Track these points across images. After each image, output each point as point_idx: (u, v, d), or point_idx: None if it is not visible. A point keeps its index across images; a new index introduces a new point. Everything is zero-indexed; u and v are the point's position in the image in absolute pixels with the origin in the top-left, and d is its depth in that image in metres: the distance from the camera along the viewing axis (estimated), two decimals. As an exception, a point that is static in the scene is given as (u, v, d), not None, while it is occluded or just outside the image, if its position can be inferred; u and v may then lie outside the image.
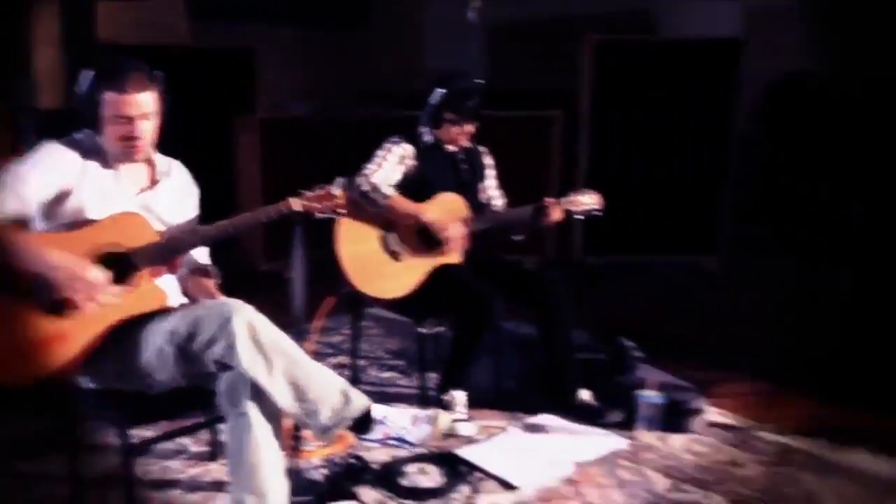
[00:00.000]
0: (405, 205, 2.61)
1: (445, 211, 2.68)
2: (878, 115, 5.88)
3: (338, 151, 4.90)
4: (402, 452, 2.39)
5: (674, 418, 2.59)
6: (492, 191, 2.88)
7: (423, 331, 2.75)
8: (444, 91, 2.65)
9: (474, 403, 2.70)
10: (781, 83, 6.20)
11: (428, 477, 2.30)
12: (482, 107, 2.68)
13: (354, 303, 2.88)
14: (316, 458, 2.36)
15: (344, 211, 2.12)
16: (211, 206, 2.18)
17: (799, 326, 3.80)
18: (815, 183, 5.63)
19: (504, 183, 2.93)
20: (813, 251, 5.32)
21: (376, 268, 2.63)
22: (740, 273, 4.79)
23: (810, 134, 5.85)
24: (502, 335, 2.95)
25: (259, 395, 1.78)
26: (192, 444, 2.44)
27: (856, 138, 5.83)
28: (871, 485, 2.27)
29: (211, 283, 2.06)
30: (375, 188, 2.56)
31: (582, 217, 2.78)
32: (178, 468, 2.32)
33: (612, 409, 2.66)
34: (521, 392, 2.89)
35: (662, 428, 2.58)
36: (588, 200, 2.75)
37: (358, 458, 2.33)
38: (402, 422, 1.93)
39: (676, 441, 2.54)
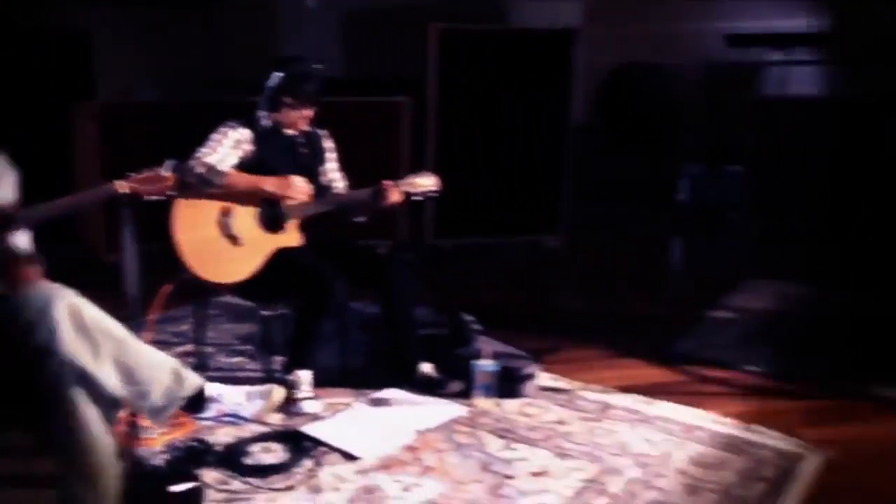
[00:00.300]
0: (244, 179, 2.62)
1: (285, 194, 2.71)
2: (702, 100, 6.45)
3: (185, 137, 4.76)
4: (247, 433, 2.42)
5: (508, 384, 2.77)
6: (333, 174, 2.94)
7: (266, 313, 2.78)
8: (281, 75, 2.68)
9: (321, 382, 2.75)
10: (618, 71, 6.65)
11: (272, 454, 2.35)
12: (321, 91, 2.73)
13: (197, 290, 2.86)
14: (158, 444, 2.35)
15: (174, 193, 2.11)
16: (46, 193, 2.11)
17: (628, 295, 4.14)
18: (648, 162, 6.09)
19: (354, 168, 2.99)
20: (647, 226, 5.77)
21: (215, 253, 2.63)
22: (580, 250, 5.11)
23: (644, 117, 6.33)
24: (349, 315, 3.04)
25: (85, 380, 1.76)
26: (16, 437, 2.35)
27: (685, 120, 6.37)
28: (673, 430, 2.54)
29: (32, 270, 2.00)
30: (211, 168, 2.55)
31: (420, 198, 2.89)
32: (1, 465, 2.23)
33: (453, 380, 2.81)
34: (366, 369, 2.99)
35: (499, 394, 2.75)
36: (425, 182, 2.87)
37: (200, 440, 2.33)
38: (236, 398, 1.96)
39: (511, 405, 2.73)
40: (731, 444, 2.45)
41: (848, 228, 3.72)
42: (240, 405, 1.96)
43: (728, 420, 2.61)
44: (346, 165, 2.99)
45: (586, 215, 5.57)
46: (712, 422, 2.61)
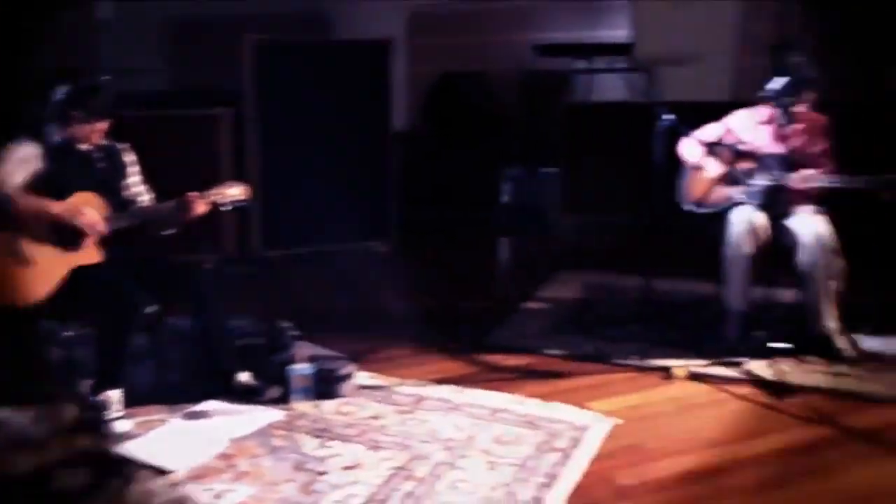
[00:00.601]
0: (31, 202, 2.53)
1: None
2: (519, 106, 6.84)
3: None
4: (49, 458, 2.34)
5: (325, 386, 2.85)
6: (136, 188, 2.89)
7: (68, 334, 2.69)
8: (67, 89, 2.61)
9: (136, 400, 2.71)
10: (442, 79, 6.91)
11: (77, 479, 2.28)
12: (111, 104, 2.69)
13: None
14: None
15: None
16: None
17: (452, 294, 4.34)
18: (473, 166, 6.36)
19: (173, 182, 2.94)
20: (475, 228, 6.03)
21: (4, 275, 2.51)
22: (410, 254, 5.28)
23: (467, 123, 6.62)
24: (164, 330, 2.99)
25: None
26: None
27: (505, 126, 6.72)
28: (480, 414, 2.72)
29: None
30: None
31: (229, 208, 2.90)
32: None
33: (271, 386, 2.85)
34: (184, 383, 2.96)
35: (316, 396, 2.83)
36: (233, 192, 2.89)
37: (-4, 472, 2.23)
38: (20, 420, 1.90)
39: (329, 406, 2.80)
40: (530, 422, 2.66)
41: (649, 220, 4.10)
42: (27, 428, 1.90)
43: (530, 400, 2.83)
44: (164, 180, 2.94)
45: (417, 220, 5.74)
46: (516, 403, 2.81)
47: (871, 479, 2.26)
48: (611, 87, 6.74)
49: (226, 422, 2.66)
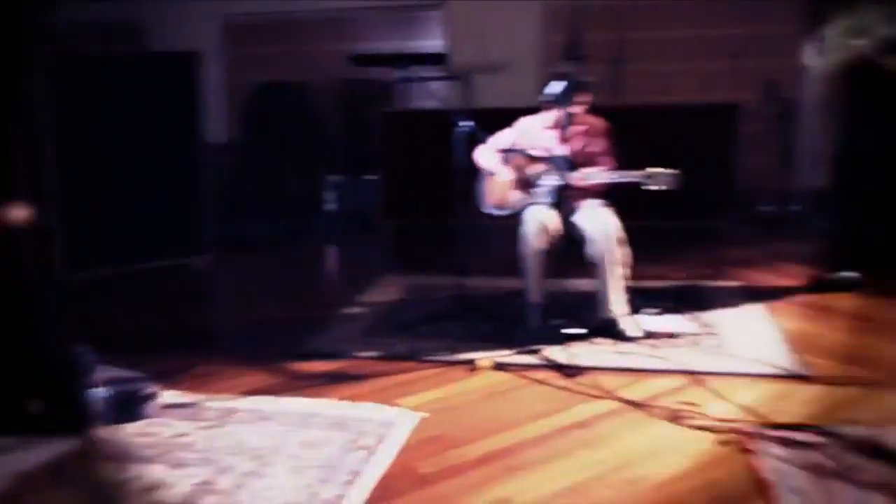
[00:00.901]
0: None
1: None
2: (340, 115, 6.91)
3: None
4: None
5: (127, 408, 2.76)
6: None
7: None
8: None
9: None
10: (260, 90, 6.84)
11: None
12: None
13: None
14: None
15: None
16: None
17: (271, 305, 4.31)
18: (296, 175, 6.36)
19: None
20: (301, 237, 6.03)
21: None
22: (230, 268, 5.18)
23: (288, 133, 6.60)
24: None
25: None
26: None
27: (326, 134, 6.77)
28: (290, 421, 2.74)
29: None
30: None
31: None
32: None
33: (67, 414, 2.71)
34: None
35: (117, 420, 2.73)
36: (15, 214, 2.73)
37: None
38: None
39: (131, 428, 2.71)
40: (339, 424, 2.71)
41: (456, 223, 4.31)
42: None
43: (341, 403, 2.89)
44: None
45: (237, 233, 5.65)
46: (326, 407, 2.86)
47: (638, 443, 2.52)
48: (431, 95, 6.99)
49: (12, 456, 2.51)
